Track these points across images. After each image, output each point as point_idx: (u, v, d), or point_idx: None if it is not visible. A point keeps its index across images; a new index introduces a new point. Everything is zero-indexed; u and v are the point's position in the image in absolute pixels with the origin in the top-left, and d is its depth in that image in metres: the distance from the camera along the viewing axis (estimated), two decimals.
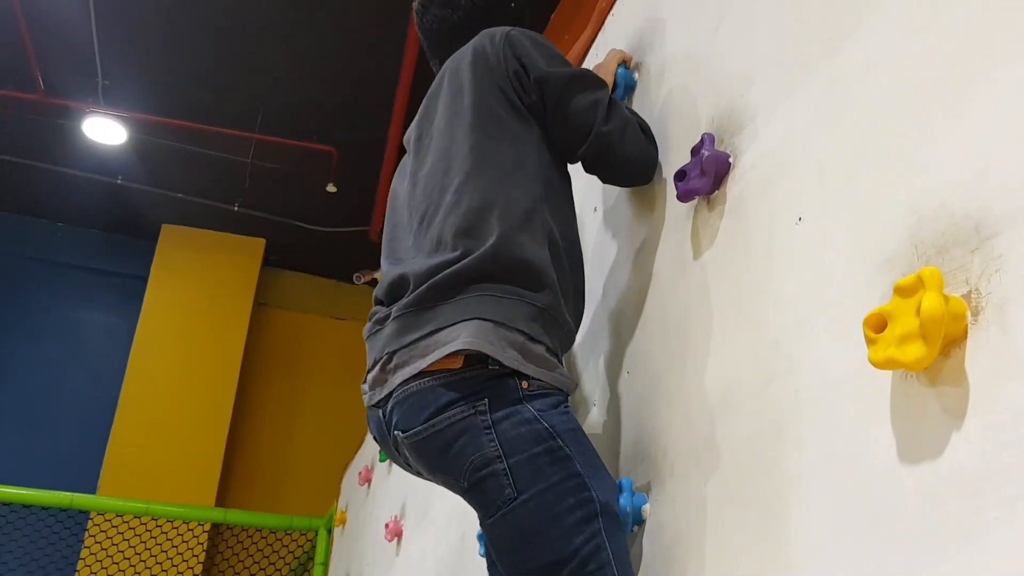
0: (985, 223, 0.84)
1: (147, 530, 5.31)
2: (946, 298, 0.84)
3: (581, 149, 1.48)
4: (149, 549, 5.32)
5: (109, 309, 6.45)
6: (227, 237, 6.48)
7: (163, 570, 5.30)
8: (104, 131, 5.52)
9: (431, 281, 1.29)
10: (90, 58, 4.91)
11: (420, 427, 1.24)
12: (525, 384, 1.22)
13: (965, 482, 0.81)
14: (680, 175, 1.42)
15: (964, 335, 0.84)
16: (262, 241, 6.57)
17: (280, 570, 5.62)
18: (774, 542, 1.06)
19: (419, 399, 1.24)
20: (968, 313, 0.84)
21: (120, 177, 5.89)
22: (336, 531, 4.57)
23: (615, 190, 1.77)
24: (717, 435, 1.23)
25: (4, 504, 5.04)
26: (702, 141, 1.38)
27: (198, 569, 5.38)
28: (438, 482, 1.32)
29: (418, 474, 1.37)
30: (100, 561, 5.22)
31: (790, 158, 1.19)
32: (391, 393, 1.29)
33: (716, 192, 1.37)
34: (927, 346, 0.84)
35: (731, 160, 1.35)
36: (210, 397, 5.93)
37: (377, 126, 5.18)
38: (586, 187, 1.84)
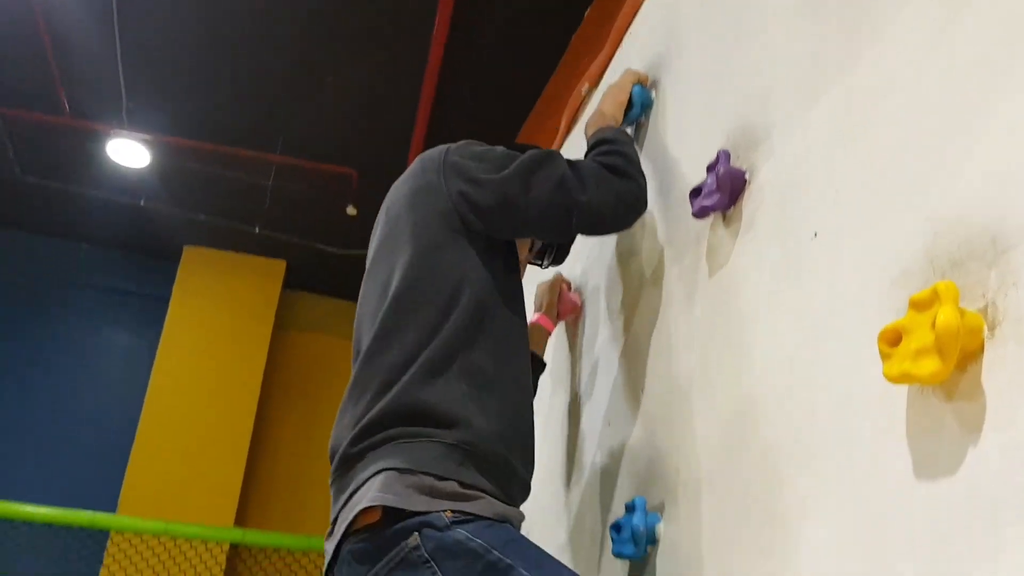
0: (1002, 235, 0.83)
1: (166, 550, 5.31)
2: (962, 312, 0.83)
3: (571, 230, 1.50)
4: (168, 569, 5.31)
5: (130, 330, 6.50)
6: (248, 259, 6.52)
7: None
8: (127, 153, 5.58)
9: (351, 436, 1.32)
10: (115, 81, 4.97)
11: None
12: (449, 513, 1.19)
13: (981, 500, 0.79)
14: (696, 192, 1.41)
15: (981, 349, 0.83)
16: (283, 263, 6.61)
17: None
18: (786, 559, 1.05)
19: (357, 556, 1.24)
20: (985, 327, 0.83)
21: (143, 199, 5.95)
22: None
23: None
24: (731, 453, 1.22)
25: (25, 523, 5.06)
26: (717, 158, 1.38)
27: None
28: None
29: None
30: None
31: (806, 174, 1.19)
32: (336, 555, 1.29)
33: (732, 209, 1.36)
34: (942, 360, 0.83)
35: (747, 176, 1.34)
36: (230, 418, 5.94)
37: (397, 148, 5.21)
38: None
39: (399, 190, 1.55)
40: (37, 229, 6.48)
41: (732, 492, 1.20)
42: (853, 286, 1.04)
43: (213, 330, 6.22)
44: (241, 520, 5.72)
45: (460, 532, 1.17)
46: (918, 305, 0.87)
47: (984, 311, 0.84)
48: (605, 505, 1.59)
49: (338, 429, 1.40)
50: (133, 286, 6.57)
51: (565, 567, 1.22)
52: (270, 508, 5.91)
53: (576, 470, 1.78)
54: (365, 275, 1.57)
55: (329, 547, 1.32)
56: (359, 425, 1.31)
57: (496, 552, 1.15)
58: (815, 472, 1.03)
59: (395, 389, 1.31)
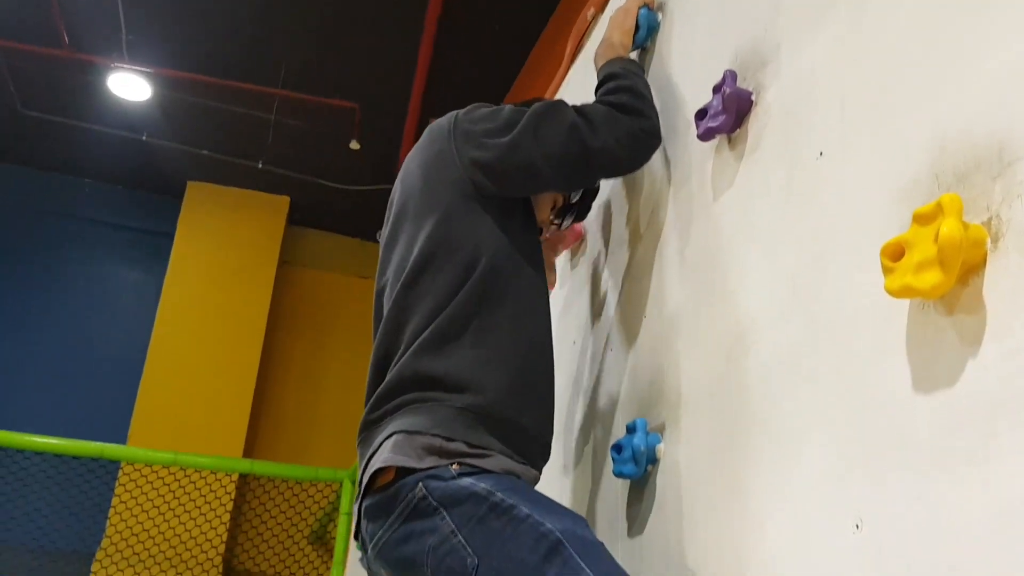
0: (1009, 147, 0.82)
1: (176, 480, 5.42)
2: (965, 225, 0.83)
3: (590, 177, 1.53)
4: (179, 498, 5.43)
5: (136, 265, 6.52)
6: (252, 195, 6.51)
7: (192, 519, 5.41)
8: (129, 87, 5.53)
9: (370, 404, 1.40)
10: (114, 13, 4.91)
11: (381, 532, 1.29)
12: (456, 467, 1.25)
13: (979, 408, 0.80)
14: (701, 114, 1.40)
15: (983, 262, 0.83)
16: (286, 199, 6.60)
17: (306, 519, 5.73)
18: (787, 474, 1.06)
19: (371, 513, 1.31)
20: (988, 240, 0.83)
21: (145, 134, 5.92)
22: None
23: None
24: (731, 373, 1.23)
25: (37, 453, 5.15)
26: (724, 79, 1.36)
27: (226, 518, 5.49)
28: None
29: None
30: (131, 509, 5.33)
31: (812, 92, 1.17)
32: (359, 515, 1.36)
33: (737, 131, 1.35)
34: (944, 273, 0.83)
35: (753, 98, 1.33)
36: (237, 352, 6.00)
37: (400, 81, 5.15)
38: None
39: (411, 162, 1.56)
40: (40, 164, 6.46)
41: (732, 411, 1.21)
42: (858, 204, 1.03)
43: (218, 266, 6.24)
44: (249, 452, 5.82)
45: (465, 480, 1.23)
46: (921, 219, 0.86)
47: (988, 224, 0.83)
48: (607, 427, 1.61)
49: (367, 398, 1.46)
50: (138, 222, 6.57)
51: (567, 510, 1.25)
52: (278, 440, 6.01)
53: (580, 395, 1.80)
54: (383, 248, 1.59)
55: (355, 508, 1.39)
56: (377, 393, 1.39)
57: (499, 494, 1.20)
58: (814, 389, 1.04)
59: (407, 356, 1.36)
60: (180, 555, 5.35)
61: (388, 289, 1.51)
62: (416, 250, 1.44)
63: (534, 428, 1.38)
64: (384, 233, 1.61)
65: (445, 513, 1.21)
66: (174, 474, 5.38)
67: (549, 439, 1.43)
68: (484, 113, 1.52)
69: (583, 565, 1.12)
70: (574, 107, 1.49)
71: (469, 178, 1.45)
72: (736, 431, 1.19)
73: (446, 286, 1.39)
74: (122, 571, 5.22)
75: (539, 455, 1.41)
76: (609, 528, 1.52)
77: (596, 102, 1.53)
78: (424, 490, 1.23)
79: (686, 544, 1.27)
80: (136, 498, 5.38)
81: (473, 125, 1.49)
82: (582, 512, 1.67)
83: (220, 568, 5.41)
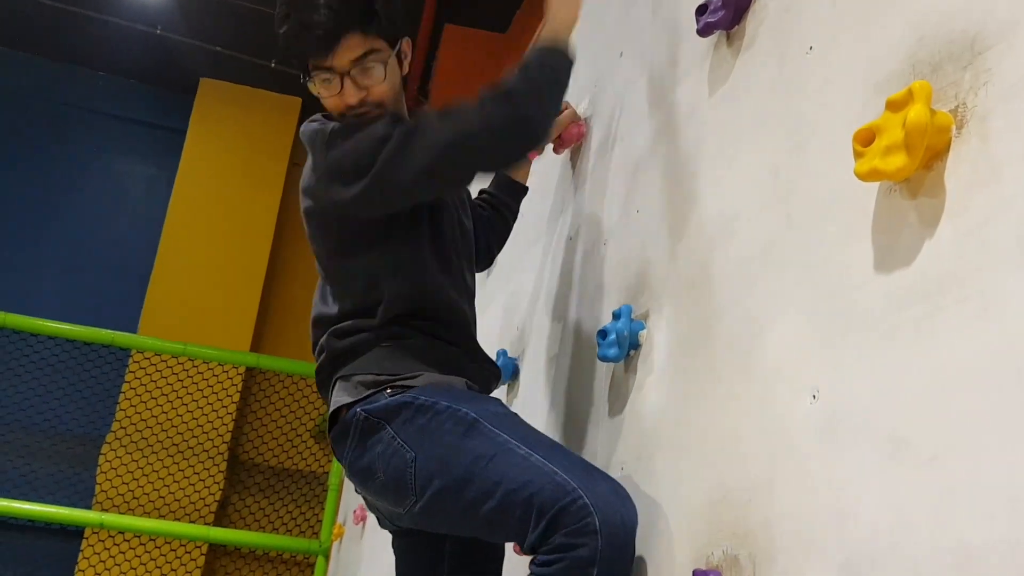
0: (981, 37, 0.86)
1: (184, 370, 5.56)
2: (933, 111, 0.87)
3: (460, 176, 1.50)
4: (187, 387, 5.58)
5: (148, 160, 6.55)
6: (264, 95, 6.48)
7: (199, 408, 5.57)
8: None
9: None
10: None
11: (345, 454, 1.50)
12: (388, 391, 1.44)
13: (930, 284, 0.85)
14: (702, 9, 1.42)
15: (947, 148, 0.87)
16: (298, 100, 6.57)
17: (310, 414, 5.89)
18: (754, 355, 1.12)
19: (334, 444, 1.53)
20: (953, 127, 0.87)
21: (159, 27, 5.88)
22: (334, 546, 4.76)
23: (642, 51, 1.77)
24: (713, 262, 1.28)
25: (51, 338, 5.28)
26: None
27: (232, 409, 5.64)
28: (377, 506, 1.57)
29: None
30: (140, 396, 5.49)
31: None
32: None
33: (736, 27, 1.37)
34: (909, 156, 0.87)
35: None
36: (246, 249, 6.08)
37: None
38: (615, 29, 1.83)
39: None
40: (55, 55, 6.43)
41: (711, 297, 1.27)
42: (841, 96, 1.07)
43: (229, 163, 6.27)
44: (256, 348, 5.94)
45: (397, 397, 1.43)
46: (893, 105, 0.90)
47: (955, 111, 0.87)
48: (595, 316, 1.67)
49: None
50: (150, 117, 6.57)
51: (485, 397, 1.47)
52: (284, 338, 6.12)
53: (572, 287, 1.86)
54: None
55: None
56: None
57: (422, 397, 1.40)
58: (786, 275, 1.10)
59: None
60: (187, 442, 5.53)
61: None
62: None
63: (449, 344, 1.54)
64: None
65: (387, 425, 1.41)
66: (183, 364, 5.52)
67: (471, 348, 1.59)
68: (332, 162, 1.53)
69: (498, 431, 1.32)
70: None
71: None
72: (713, 317, 1.25)
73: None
74: (131, 455, 5.40)
75: (465, 363, 1.55)
76: (592, 409, 1.60)
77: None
78: (364, 413, 1.44)
79: (661, 422, 1.34)
80: (145, 385, 5.53)
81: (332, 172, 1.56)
82: (566, 396, 1.75)
83: (225, 456, 5.59)
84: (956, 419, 0.79)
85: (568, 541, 1.18)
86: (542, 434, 1.41)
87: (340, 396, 1.50)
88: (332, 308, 1.57)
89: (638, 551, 1.26)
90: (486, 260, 1.92)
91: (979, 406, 0.77)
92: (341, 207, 1.48)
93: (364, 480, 1.48)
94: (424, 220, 1.55)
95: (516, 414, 1.43)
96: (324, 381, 1.57)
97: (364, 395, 1.46)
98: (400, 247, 1.52)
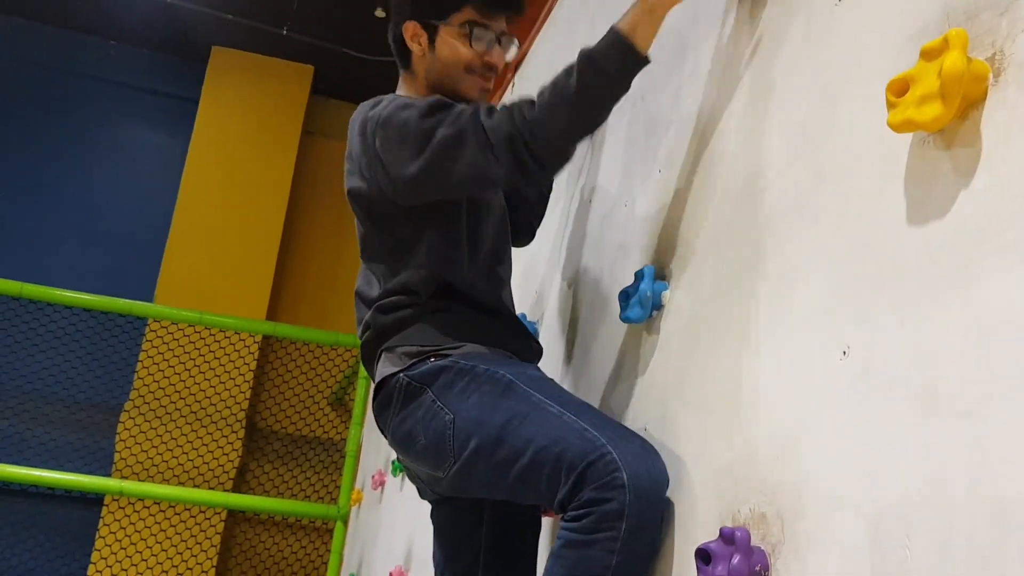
0: None
1: (201, 339, 5.59)
2: (969, 59, 0.85)
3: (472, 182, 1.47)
4: (204, 356, 5.61)
5: (161, 129, 6.54)
6: (276, 63, 6.45)
7: (216, 376, 5.61)
8: None
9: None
10: None
11: (389, 420, 1.54)
12: (431, 359, 1.48)
13: (966, 236, 0.84)
14: None
15: (984, 97, 0.86)
16: (311, 68, 6.54)
17: (327, 382, 5.92)
18: (783, 311, 1.11)
19: (377, 412, 1.58)
20: (990, 75, 0.85)
21: None
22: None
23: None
24: (738, 219, 1.27)
25: (68, 308, 5.31)
26: None
27: (249, 376, 5.68)
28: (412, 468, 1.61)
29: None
30: (157, 364, 5.53)
31: None
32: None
33: None
34: (944, 105, 0.85)
35: None
36: (261, 217, 6.08)
37: None
38: None
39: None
40: (66, 25, 6.41)
41: (737, 255, 1.25)
42: (872, 47, 1.05)
43: (242, 132, 6.26)
44: (272, 316, 5.97)
45: (439, 362, 1.46)
46: (928, 54, 0.88)
47: (991, 59, 0.85)
48: (616, 278, 1.66)
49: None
50: (162, 86, 6.55)
51: (522, 363, 1.50)
52: (300, 306, 6.14)
53: (592, 249, 1.85)
54: None
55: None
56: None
57: (462, 362, 1.44)
58: (817, 229, 1.08)
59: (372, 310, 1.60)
60: (205, 410, 5.57)
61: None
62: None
63: (491, 317, 1.58)
64: None
65: (428, 389, 1.45)
66: (199, 332, 5.55)
67: (511, 319, 1.64)
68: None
69: (532, 391, 1.35)
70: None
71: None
72: (739, 275, 1.24)
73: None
74: (149, 423, 5.45)
75: (512, 341, 1.58)
76: (614, 371, 1.60)
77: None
78: (406, 378, 1.48)
79: (685, 382, 1.34)
80: (163, 354, 5.56)
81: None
82: (588, 358, 1.75)
83: (243, 423, 5.63)
84: (991, 372, 0.78)
85: (597, 496, 1.19)
86: (576, 396, 1.42)
87: (385, 367, 1.54)
88: (376, 287, 1.61)
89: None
90: (527, 236, 1.93)
91: (1014, 359, 0.76)
92: (395, 182, 1.50)
93: (405, 446, 1.51)
94: (463, 203, 1.58)
95: (552, 379, 1.45)
96: (369, 356, 1.60)
97: (408, 364, 1.50)
98: (442, 225, 1.56)
